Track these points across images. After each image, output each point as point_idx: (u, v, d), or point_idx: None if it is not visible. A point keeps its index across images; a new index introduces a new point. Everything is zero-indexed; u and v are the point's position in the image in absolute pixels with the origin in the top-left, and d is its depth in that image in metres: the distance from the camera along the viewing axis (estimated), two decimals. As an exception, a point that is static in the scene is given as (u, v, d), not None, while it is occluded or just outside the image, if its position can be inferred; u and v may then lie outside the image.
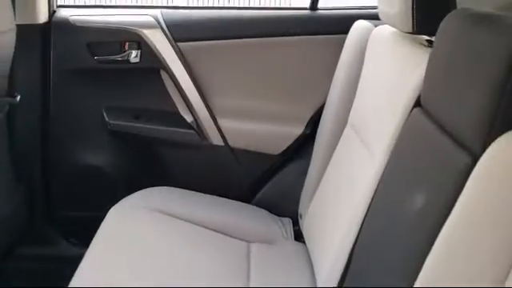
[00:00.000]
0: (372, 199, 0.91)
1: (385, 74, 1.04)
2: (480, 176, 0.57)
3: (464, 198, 0.58)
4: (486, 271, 0.54)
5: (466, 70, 0.63)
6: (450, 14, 0.72)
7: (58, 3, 1.56)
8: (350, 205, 1.04)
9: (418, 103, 0.82)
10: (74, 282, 1.09)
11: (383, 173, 0.86)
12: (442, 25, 0.73)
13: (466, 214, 0.58)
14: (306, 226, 1.39)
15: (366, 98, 1.15)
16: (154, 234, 1.29)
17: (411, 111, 0.83)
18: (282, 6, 1.82)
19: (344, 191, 1.14)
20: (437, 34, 0.75)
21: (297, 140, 1.58)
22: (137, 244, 1.24)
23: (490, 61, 0.58)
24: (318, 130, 1.47)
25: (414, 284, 0.65)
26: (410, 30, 0.96)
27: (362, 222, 0.93)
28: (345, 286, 1.00)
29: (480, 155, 0.57)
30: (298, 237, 1.45)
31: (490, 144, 0.56)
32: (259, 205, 1.59)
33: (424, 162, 0.72)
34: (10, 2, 1.28)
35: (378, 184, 0.88)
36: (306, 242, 1.36)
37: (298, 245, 1.41)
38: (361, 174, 1.00)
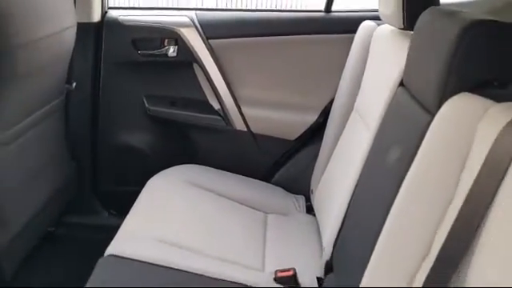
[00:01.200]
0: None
1: (381, 64, 1.23)
2: (434, 130, 0.76)
3: (421, 149, 0.78)
4: (430, 212, 0.72)
5: (430, 52, 0.82)
6: (423, 12, 0.91)
7: (109, 5, 1.78)
8: (348, 173, 1.23)
9: (401, 83, 1.02)
10: (117, 236, 1.30)
11: (373, 138, 1.06)
12: (418, 20, 0.93)
13: (422, 163, 0.77)
14: (315, 200, 1.58)
15: (368, 85, 1.34)
16: (184, 202, 1.48)
17: (397, 90, 1.02)
18: (301, 8, 1.99)
19: (346, 164, 1.33)
20: (414, 28, 0.94)
21: (311, 127, 1.75)
22: (170, 209, 1.44)
23: (445, 43, 0.77)
24: (329, 118, 1.64)
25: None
26: (402, 27, 1.16)
27: (356, 184, 1.13)
28: (339, 242, 1.18)
29: (435, 114, 0.77)
30: (310, 211, 1.63)
31: (442, 104, 0.76)
32: (276, 183, 1.76)
33: (401, 125, 0.91)
34: (73, 4, 1.53)
35: (370, 149, 1.07)
36: (316, 212, 1.55)
37: (309, 216, 1.59)
38: (358, 146, 1.19)
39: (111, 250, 1.21)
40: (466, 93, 0.74)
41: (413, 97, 0.90)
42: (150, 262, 1.18)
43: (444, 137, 0.73)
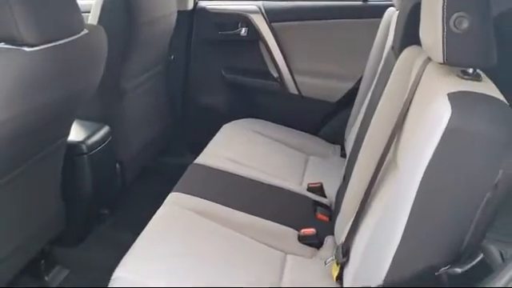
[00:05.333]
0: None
1: (390, 37, 1.69)
2: (395, 68, 1.23)
3: (388, 82, 1.25)
4: (388, 122, 1.18)
5: (400, 23, 1.29)
6: (404, -1, 1.37)
7: (200, -3, 2.37)
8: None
9: (392, 48, 1.48)
10: (203, 153, 1.86)
11: (374, 86, 1.54)
12: (400, 4, 1.39)
13: (387, 90, 1.24)
14: (347, 145, 2.05)
15: (384, 54, 1.80)
16: (247, 140, 2.03)
17: (389, 51, 1.49)
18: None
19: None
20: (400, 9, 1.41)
21: (348, 92, 2.22)
22: (237, 143, 1.98)
23: (404, 16, 1.23)
24: (361, 83, 2.11)
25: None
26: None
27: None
28: (348, 157, 1.65)
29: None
30: (344, 156, 2.11)
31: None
32: (319, 136, 2.24)
33: (385, 71, 1.38)
34: (175, -5, 2.13)
35: (371, 93, 1.55)
36: (346, 153, 2.02)
37: (342, 159, 2.06)
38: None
39: (197, 160, 1.79)
40: (415, 45, 1.20)
41: (394, 52, 1.37)
42: (224, 170, 1.73)
43: (398, 72, 1.20)
